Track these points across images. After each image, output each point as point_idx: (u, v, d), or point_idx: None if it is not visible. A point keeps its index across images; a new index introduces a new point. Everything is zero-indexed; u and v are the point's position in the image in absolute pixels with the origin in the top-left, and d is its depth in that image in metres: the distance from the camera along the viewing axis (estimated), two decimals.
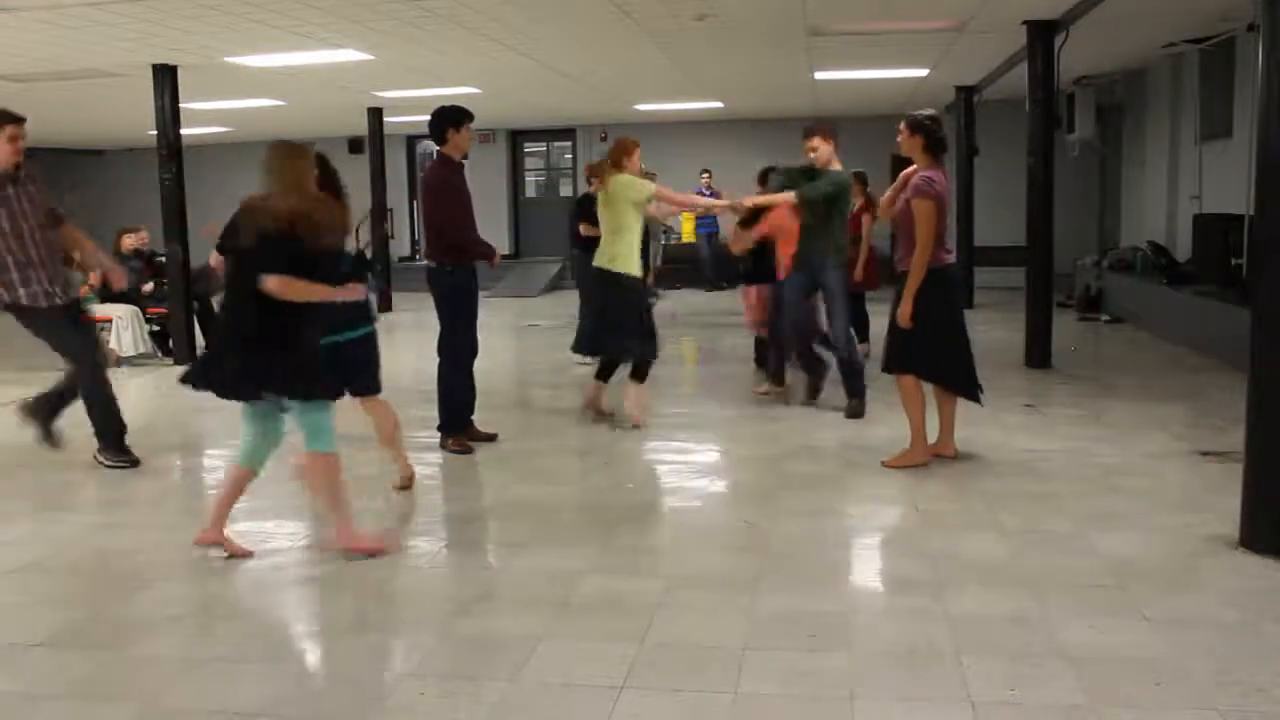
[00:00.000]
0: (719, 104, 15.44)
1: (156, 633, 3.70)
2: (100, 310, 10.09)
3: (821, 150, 6.91)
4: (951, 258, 5.66)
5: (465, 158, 6.24)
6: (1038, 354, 8.87)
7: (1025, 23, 8.74)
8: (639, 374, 6.89)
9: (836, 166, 6.92)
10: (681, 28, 9.03)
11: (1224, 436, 6.00)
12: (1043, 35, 8.72)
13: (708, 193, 16.32)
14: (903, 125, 5.51)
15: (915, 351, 5.54)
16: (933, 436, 5.74)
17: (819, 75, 12.27)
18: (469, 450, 6.23)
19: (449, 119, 6.06)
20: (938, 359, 5.58)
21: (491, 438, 6.48)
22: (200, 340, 10.65)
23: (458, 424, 6.30)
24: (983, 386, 5.85)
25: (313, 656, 3.54)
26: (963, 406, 7.06)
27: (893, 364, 5.64)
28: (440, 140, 6.11)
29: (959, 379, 5.71)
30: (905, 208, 5.45)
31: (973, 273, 13.64)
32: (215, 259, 4.72)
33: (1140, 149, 13.47)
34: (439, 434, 6.32)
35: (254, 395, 4.36)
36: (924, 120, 5.46)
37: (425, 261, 6.35)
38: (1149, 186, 13.04)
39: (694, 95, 14.22)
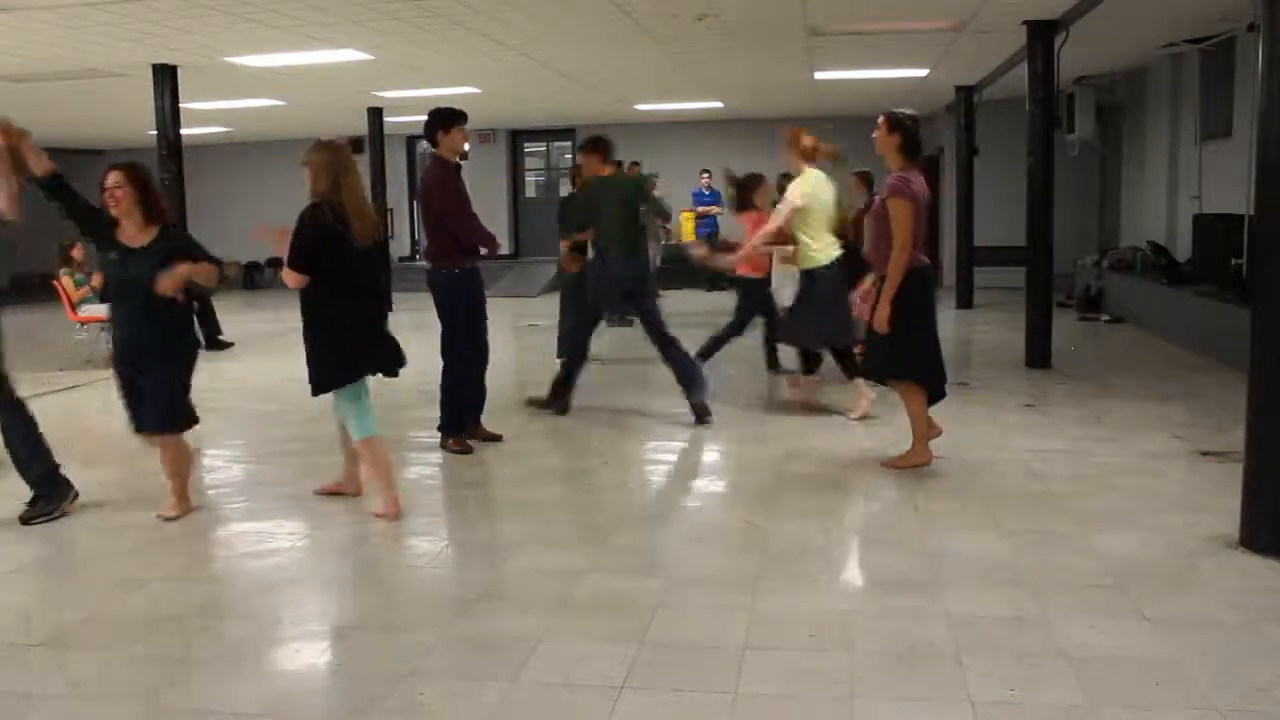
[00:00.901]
0: (719, 104, 15.44)
1: (156, 633, 3.70)
2: (100, 310, 10.11)
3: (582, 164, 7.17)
4: (924, 259, 5.58)
5: (464, 158, 6.25)
6: (1038, 354, 8.87)
7: (1025, 23, 8.75)
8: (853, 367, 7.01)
9: (604, 172, 7.06)
10: (681, 28, 9.03)
11: (1224, 436, 5.99)
12: (1043, 35, 8.72)
13: (707, 193, 16.37)
14: (881, 120, 5.48)
15: (897, 353, 5.53)
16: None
17: (819, 75, 12.28)
18: (469, 450, 6.23)
19: (437, 122, 6.12)
20: (918, 359, 5.56)
21: (497, 438, 6.47)
22: (200, 340, 10.67)
23: (457, 424, 6.30)
24: (946, 377, 5.84)
25: (313, 656, 3.54)
26: (963, 407, 7.06)
27: (885, 374, 5.66)
28: (432, 143, 6.18)
29: (934, 379, 5.68)
30: (881, 208, 5.43)
31: (973, 273, 13.64)
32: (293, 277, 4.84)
33: (1140, 149, 13.46)
34: (439, 434, 6.32)
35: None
36: (904, 119, 5.43)
37: (424, 263, 6.39)
38: (1149, 186, 13.03)
39: (694, 95, 14.23)
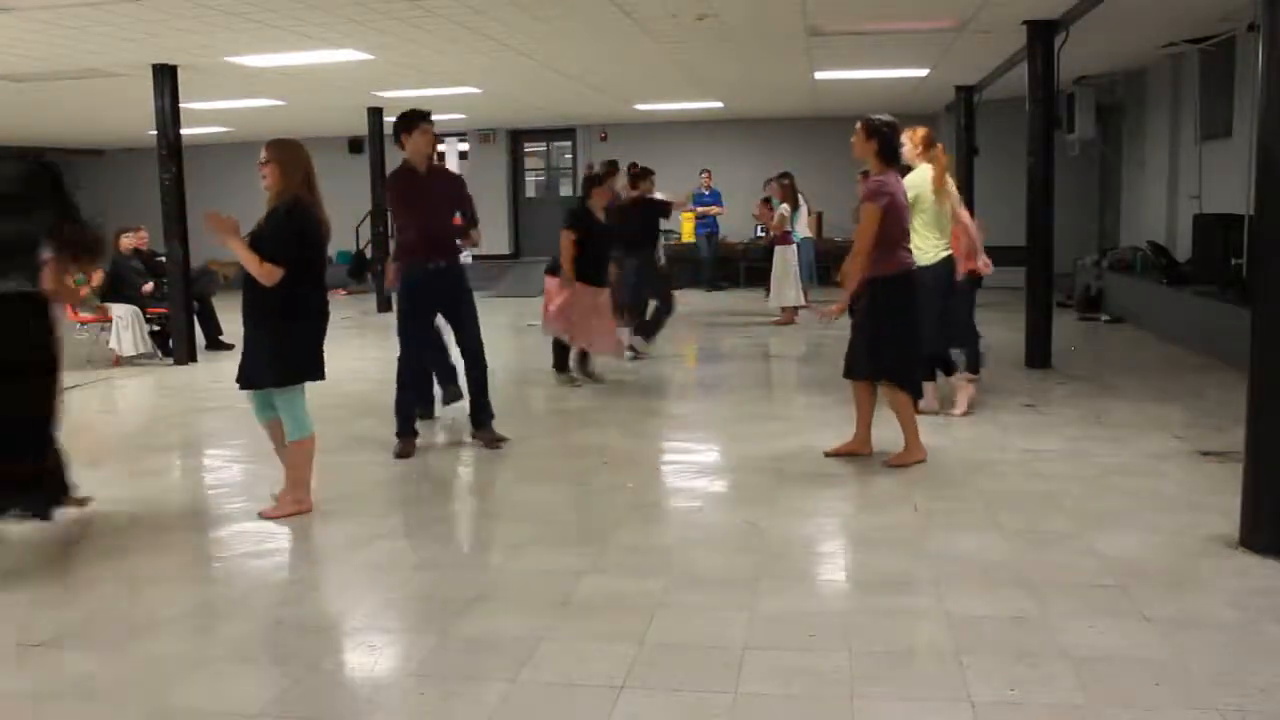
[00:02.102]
0: (719, 104, 15.44)
1: (156, 633, 3.71)
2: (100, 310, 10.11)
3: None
4: (914, 260, 5.71)
5: (436, 157, 6.29)
6: (1038, 354, 8.87)
7: (1025, 23, 8.74)
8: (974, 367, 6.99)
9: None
10: (681, 28, 9.03)
11: (1224, 436, 5.99)
12: (1043, 35, 8.72)
13: (707, 193, 16.38)
14: (859, 126, 5.55)
15: (875, 354, 5.58)
16: (848, 435, 5.89)
17: (819, 75, 12.28)
18: (407, 455, 6.17)
19: (397, 127, 6.16)
20: (899, 359, 5.61)
21: (501, 440, 6.42)
22: (200, 340, 10.68)
23: (399, 425, 6.26)
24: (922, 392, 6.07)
25: (313, 656, 3.54)
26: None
27: (864, 375, 5.71)
28: (400, 147, 6.21)
29: (912, 381, 5.76)
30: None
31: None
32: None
33: (1140, 149, 13.46)
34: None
35: None
36: (880, 126, 5.51)
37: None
38: (1149, 186, 13.03)
39: (694, 95, 14.23)
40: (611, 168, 10.05)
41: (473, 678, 3.30)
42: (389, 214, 6.36)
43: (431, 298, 6.23)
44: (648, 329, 9.77)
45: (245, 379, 4.94)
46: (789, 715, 3.03)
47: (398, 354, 6.25)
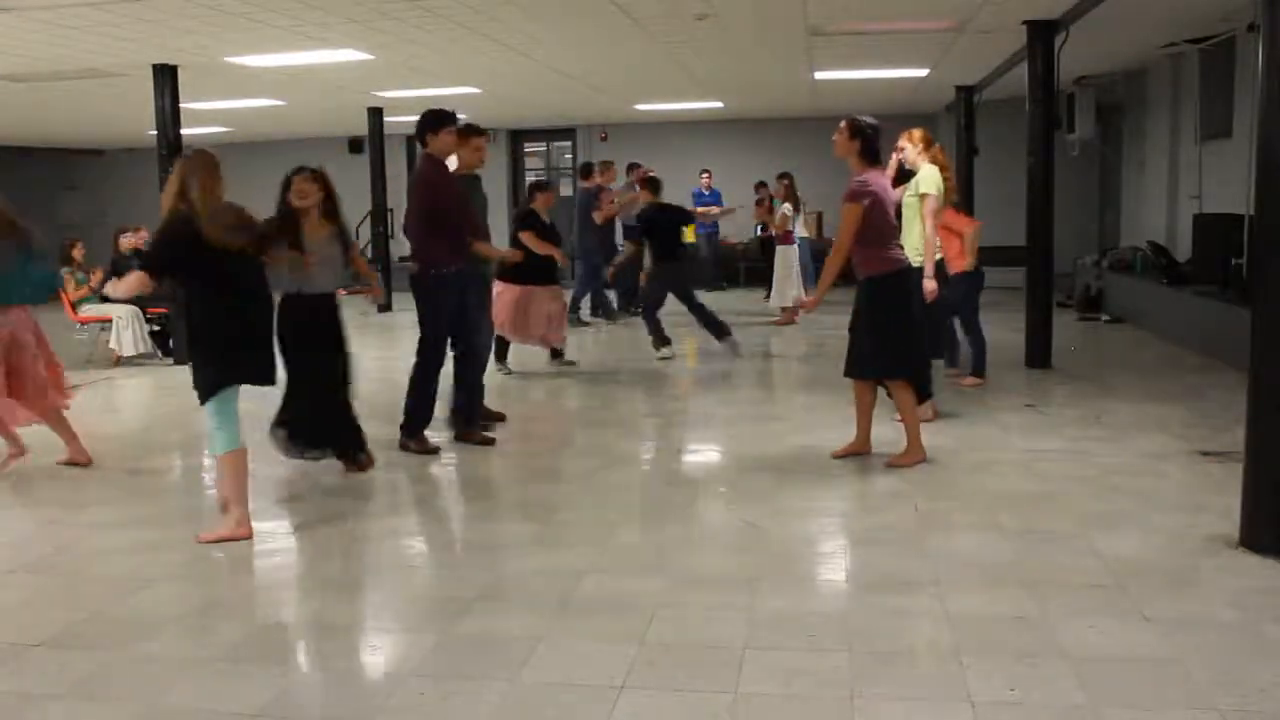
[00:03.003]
0: (719, 104, 15.44)
1: (156, 633, 3.71)
2: (100, 310, 10.11)
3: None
4: (907, 258, 5.79)
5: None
6: (1038, 354, 8.88)
7: (1025, 23, 8.74)
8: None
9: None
10: (681, 28, 9.03)
11: (1224, 436, 5.99)
12: (1043, 35, 8.72)
13: (707, 193, 16.36)
14: (843, 125, 5.59)
15: (877, 353, 5.61)
16: (849, 437, 5.90)
17: (819, 75, 12.28)
18: (432, 451, 6.19)
19: (426, 125, 6.14)
20: (899, 356, 5.65)
21: (490, 441, 6.44)
22: None
23: (421, 426, 6.25)
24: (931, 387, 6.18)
25: (313, 656, 3.54)
26: (963, 407, 7.07)
27: (864, 374, 5.73)
28: (423, 144, 6.22)
29: (918, 377, 5.83)
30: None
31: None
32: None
33: (1140, 149, 13.46)
34: (400, 434, 6.27)
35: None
36: (865, 126, 5.55)
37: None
38: (1149, 186, 13.03)
39: (694, 95, 14.22)
40: (593, 167, 10.15)
41: (473, 678, 3.30)
42: (416, 208, 6.16)
43: (455, 300, 6.18)
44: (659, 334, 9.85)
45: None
46: (789, 715, 3.03)
47: (419, 361, 6.23)
